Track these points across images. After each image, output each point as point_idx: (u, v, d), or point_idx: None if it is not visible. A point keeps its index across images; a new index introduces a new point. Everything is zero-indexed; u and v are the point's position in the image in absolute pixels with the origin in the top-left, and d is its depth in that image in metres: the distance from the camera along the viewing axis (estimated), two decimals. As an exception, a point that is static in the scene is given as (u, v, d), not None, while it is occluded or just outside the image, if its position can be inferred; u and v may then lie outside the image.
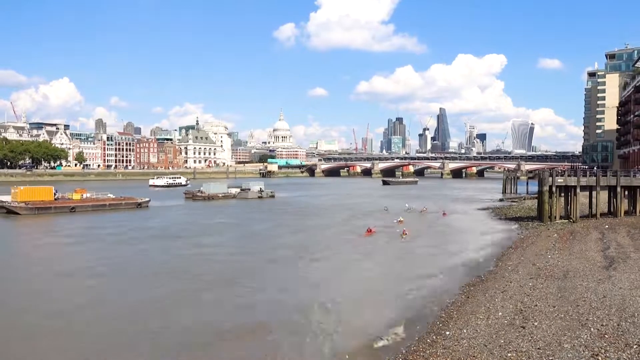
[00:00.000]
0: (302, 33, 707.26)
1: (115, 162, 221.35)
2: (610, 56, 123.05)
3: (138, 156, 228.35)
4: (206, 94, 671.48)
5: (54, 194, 58.31)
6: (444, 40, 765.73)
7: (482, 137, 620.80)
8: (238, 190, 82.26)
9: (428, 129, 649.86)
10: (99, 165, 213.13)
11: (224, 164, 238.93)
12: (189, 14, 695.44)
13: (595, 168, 74.51)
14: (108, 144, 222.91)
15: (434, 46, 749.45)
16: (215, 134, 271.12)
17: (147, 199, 64.63)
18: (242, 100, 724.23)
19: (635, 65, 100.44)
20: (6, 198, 54.84)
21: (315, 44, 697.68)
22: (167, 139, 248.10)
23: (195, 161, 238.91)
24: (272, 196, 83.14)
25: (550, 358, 13.07)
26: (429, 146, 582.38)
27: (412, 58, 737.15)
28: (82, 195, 60.54)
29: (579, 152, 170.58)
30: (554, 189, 44.18)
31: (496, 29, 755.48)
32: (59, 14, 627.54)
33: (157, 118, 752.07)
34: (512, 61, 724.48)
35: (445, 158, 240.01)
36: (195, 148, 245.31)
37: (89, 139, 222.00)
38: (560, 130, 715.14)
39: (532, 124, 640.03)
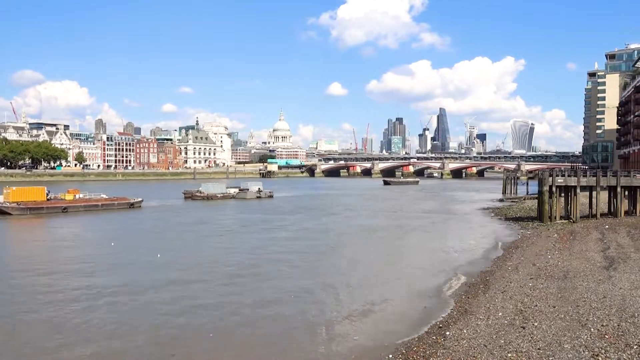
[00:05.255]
0: (323, 31, 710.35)
1: (115, 162, 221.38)
2: (610, 56, 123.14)
3: (138, 156, 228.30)
4: (217, 93, 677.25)
5: (47, 194, 58.30)
6: (463, 40, 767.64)
7: (482, 137, 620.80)
8: (237, 190, 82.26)
9: (428, 129, 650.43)
10: (99, 166, 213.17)
11: (223, 164, 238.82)
12: (217, 13, 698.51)
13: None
14: (108, 144, 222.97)
15: (452, 45, 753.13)
16: (215, 134, 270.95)
17: (139, 199, 64.57)
18: (255, 99, 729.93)
19: (635, 66, 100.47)
20: None
21: (336, 42, 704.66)
22: (167, 139, 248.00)
23: (195, 161, 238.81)
24: (271, 196, 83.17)
25: (551, 358, 13.05)
26: (429, 146, 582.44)
27: (430, 55, 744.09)
28: (74, 195, 60.48)
29: (579, 152, 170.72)
30: (554, 189, 44.13)
31: (513, 31, 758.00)
32: (74, 15, 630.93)
33: (167, 118, 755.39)
34: (528, 63, 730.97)
35: (445, 158, 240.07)
36: (195, 148, 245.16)
37: (89, 139, 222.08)
38: (568, 130, 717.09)
39: (532, 124, 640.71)
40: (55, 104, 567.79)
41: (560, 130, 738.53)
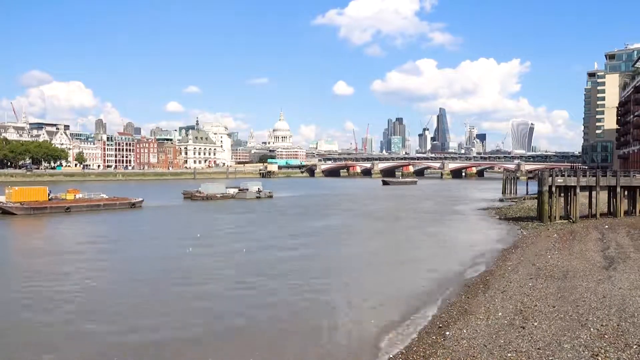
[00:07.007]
0: (331, 29, 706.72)
1: (115, 162, 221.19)
2: (610, 56, 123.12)
3: (138, 156, 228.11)
4: (223, 93, 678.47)
5: (48, 194, 58.38)
6: (471, 40, 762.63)
7: (482, 137, 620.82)
8: (236, 190, 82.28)
9: (428, 129, 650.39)
10: (99, 166, 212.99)
11: (224, 164, 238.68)
12: (226, 13, 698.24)
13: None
14: (108, 144, 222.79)
15: (458, 46, 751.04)
16: (215, 134, 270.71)
17: (140, 199, 64.77)
18: (260, 99, 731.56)
19: (635, 66, 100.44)
20: (0, 198, 54.92)
21: (343, 40, 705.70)
22: (167, 139, 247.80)
23: (195, 161, 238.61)
24: (270, 196, 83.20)
25: (550, 358, 13.08)
26: (428, 146, 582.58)
27: (436, 55, 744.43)
28: (74, 195, 60.58)
29: (579, 152, 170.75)
30: (553, 189, 44.18)
31: (519, 33, 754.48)
32: (82, 15, 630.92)
33: (171, 117, 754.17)
34: (534, 64, 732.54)
35: (445, 158, 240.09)
36: (195, 148, 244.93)
37: (89, 139, 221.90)
38: (571, 130, 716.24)
39: (531, 123, 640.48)
40: (59, 104, 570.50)
41: (563, 130, 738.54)
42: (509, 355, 13.49)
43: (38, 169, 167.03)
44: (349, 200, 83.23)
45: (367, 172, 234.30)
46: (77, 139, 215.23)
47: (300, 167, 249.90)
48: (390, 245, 37.63)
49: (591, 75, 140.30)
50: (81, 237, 41.32)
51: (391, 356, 14.90)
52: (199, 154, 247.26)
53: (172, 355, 15.59)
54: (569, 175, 46.32)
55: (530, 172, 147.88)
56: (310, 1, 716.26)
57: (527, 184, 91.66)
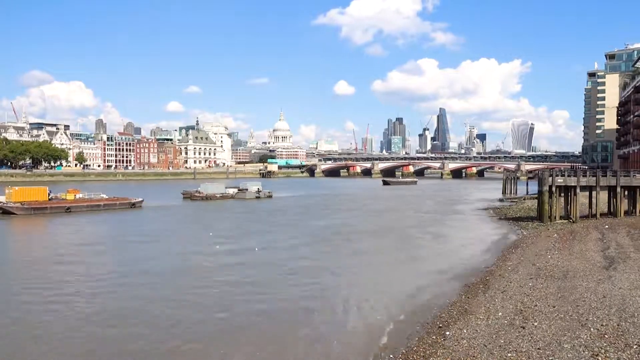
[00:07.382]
0: (332, 29, 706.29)
1: (116, 162, 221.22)
2: (610, 56, 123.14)
3: (138, 156, 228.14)
4: (224, 93, 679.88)
5: (48, 194, 58.44)
6: (472, 40, 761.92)
7: (482, 137, 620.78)
8: (236, 190, 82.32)
9: (428, 129, 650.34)
10: (99, 166, 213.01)
11: (224, 164, 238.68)
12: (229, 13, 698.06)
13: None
14: (108, 144, 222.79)
15: (459, 45, 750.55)
16: (216, 134, 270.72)
17: (140, 200, 64.86)
18: (261, 99, 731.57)
19: (635, 66, 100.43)
20: (1, 198, 54.94)
21: (344, 40, 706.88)
22: (167, 139, 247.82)
23: (195, 161, 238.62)
24: (270, 196, 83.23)
25: (550, 358, 13.08)
26: (429, 146, 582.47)
27: (437, 55, 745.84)
28: (74, 195, 60.64)
29: (579, 152, 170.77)
30: (553, 189, 44.18)
31: (520, 33, 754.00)
32: (84, 15, 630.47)
33: (171, 117, 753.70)
34: (535, 64, 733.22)
35: (445, 158, 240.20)
36: (195, 148, 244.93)
37: (89, 140, 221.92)
38: (571, 130, 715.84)
39: (532, 123, 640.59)
40: (59, 104, 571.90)
41: (564, 130, 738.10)
42: (509, 355, 13.49)
43: (37, 168, 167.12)
44: (349, 200, 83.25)
45: (367, 172, 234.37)
46: (77, 139, 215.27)
47: (300, 167, 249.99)
48: (390, 245, 37.61)
49: (591, 75, 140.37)
50: (82, 237, 41.33)
51: (391, 356, 14.90)
52: (199, 154, 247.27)
53: (174, 355, 15.61)
54: (569, 175, 46.30)
55: (530, 172, 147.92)
56: (312, 1, 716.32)
57: (527, 184, 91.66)
